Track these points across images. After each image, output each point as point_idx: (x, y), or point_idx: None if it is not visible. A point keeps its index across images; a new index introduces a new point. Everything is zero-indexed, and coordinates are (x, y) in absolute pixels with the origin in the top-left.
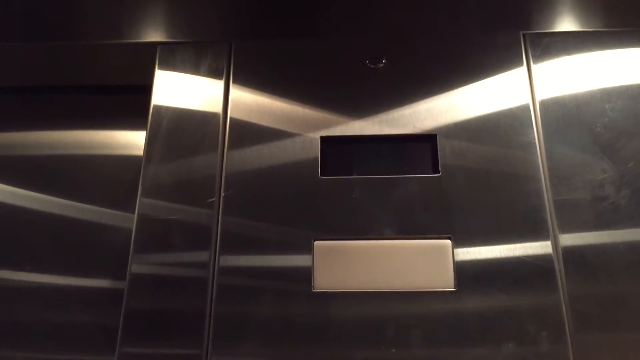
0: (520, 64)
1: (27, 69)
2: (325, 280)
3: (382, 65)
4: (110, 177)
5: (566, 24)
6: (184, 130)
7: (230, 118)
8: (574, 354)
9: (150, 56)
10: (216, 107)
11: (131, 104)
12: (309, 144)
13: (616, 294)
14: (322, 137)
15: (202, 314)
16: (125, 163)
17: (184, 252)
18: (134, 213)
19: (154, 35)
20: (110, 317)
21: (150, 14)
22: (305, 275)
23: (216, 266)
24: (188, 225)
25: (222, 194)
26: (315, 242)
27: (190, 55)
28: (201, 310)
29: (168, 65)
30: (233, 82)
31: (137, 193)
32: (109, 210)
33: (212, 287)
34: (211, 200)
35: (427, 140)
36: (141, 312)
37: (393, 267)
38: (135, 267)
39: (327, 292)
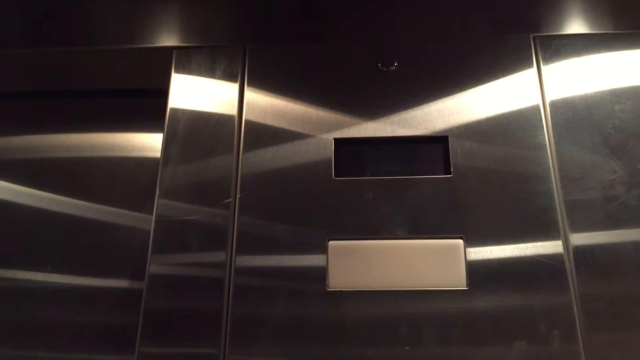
0: (530, 66)
1: (47, 74)
2: (340, 279)
3: (394, 68)
4: (127, 179)
5: (576, 26)
6: (200, 133)
7: (245, 120)
8: (585, 353)
9: (167, 60)
10: (231, 109)
11: (148, 107)
12: (323, 145)
13: (627, 293)
14: (335, 139)
15: (219, 314)
16: (142, 165)
17: (201, 253)
18: (151, 214)
19: (170, 40)
20: (129, 317)
21: (167, 19)
22: (320, 274)
23: (232, 266)
24: (205, 226)
25: (238, 195)
26: (329, 242)
27: (206, 59)
28: (218, 310)
29: (184, 69)
30: (248, 85)
31: (154, 195)
32: (126, 212)
33: (229, 287)
34: (227, 201)
35: (438, 142)
36: (159, 312)
37: (406, 266)
38: (154, 267)
39: (341, 291)
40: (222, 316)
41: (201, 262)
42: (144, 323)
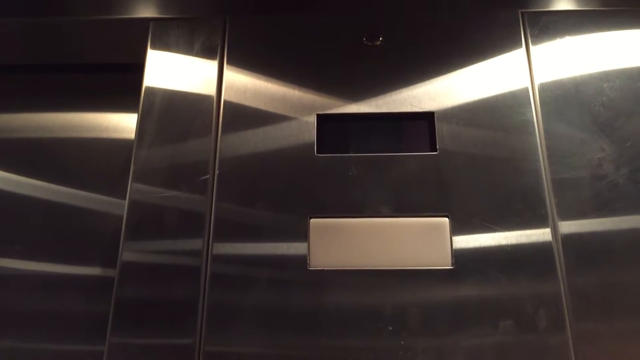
0: (518, 42)
1: (11, 46)
2: (321, 258)
3: (379, 42)
4: (101, 161)
5: (565, 3)
6: (177, 112)
7: (225, 99)
8: (572, 337)
9: (143, 33)
10: (210, 87)
11: (123, 83)
12: (305, 122)
13: (615, 274)
14: (318, 115)
15: (194, 303)
16: (117, 146)
17: (177, 240)
18: (125, 199)
19: (147, 11)
20: (101, 306)
21: None
22: (300, 254)
23: (209, 254)
24: (180, 211)
25: (216, 175)
26: (311, 220)
27: (184, 32)
28: (193, 299)
29: (161, 42)
30: (227, 59)
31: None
32: (99, 196)
33: (205, 275)
34: (204, 177)
35: (424, 118)
36: (132, 301)
37: (390, 245)
38: (126, 254)
39: (323, 269)
40: (197, 305)
41: (177, 249)
42: (115, 312)
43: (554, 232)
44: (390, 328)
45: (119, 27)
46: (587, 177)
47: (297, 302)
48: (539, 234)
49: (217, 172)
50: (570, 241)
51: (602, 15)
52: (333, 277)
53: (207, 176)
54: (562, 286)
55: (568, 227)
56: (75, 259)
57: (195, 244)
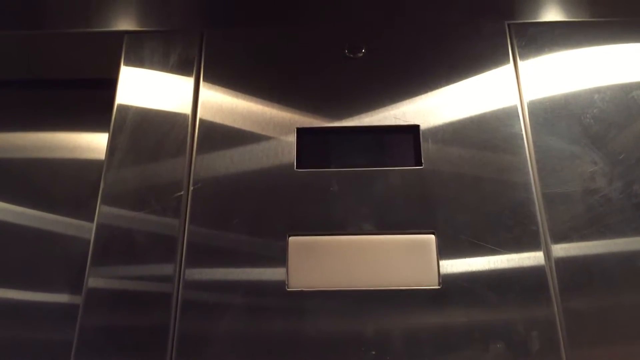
0: (505, 54)
1: None
2: (301, 278)
3: (361, 54)
4: (71, 182)
5: (552, 14)
6: (150, 130)
7: (200, 115)
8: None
9: (117, 47)
10: (185, 104)
11: (95, 100)
12: (285, 136)
13: (609, 289)
14: (298, 129)
15: (164, 331)
16: (87, 167)
17: (147, 265)
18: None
19: (122, 23)
20: (69, 334)
21: (118, 0)
22: (279, 274)
23: (181, 280)
24: (151, 235)
25: (191, 188)
26: (290, 238)
27: (159, 45)
28: (164, 327)
29: (135, 56)
30: (204, 74)
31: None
32: (67, 219)
33: (177, 301)
34: (178, 194)
35: (409, 132)
36: (98, 329)
37: (373, 263)
38: (93, 280)
39: (302, 291)
40: (167, 334)
41: (146, 275)
42: (78, 341)
43: (546, 248)
44: (374, 352)
45: (92, 40)
46: (578, 191)
47: (274, 326)
48: (531, 251)
49: (191, 188)
50: (564, 258)
51: (591, 26)
52: (313, 299)
53: (181, 192)
54: (555, 306)
55: (561, 244)
56: (41, 285)
57: (167, 269)
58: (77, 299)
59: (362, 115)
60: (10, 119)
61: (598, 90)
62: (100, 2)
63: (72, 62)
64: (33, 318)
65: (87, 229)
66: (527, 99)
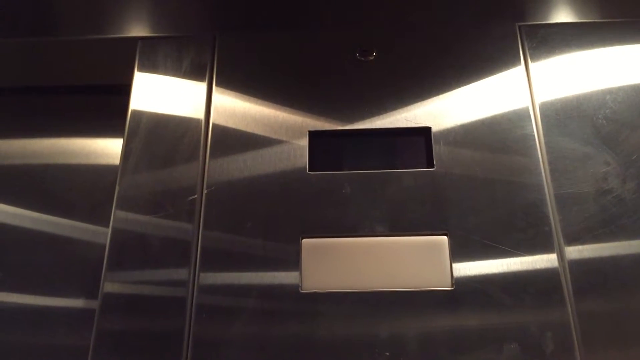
0: (516, 56)
1: None
2: (314, 280)
3: (372, 57)
4: (86, 188)
5: (563, 15)
6: (164, 135)
7: (213, 120)
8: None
9: (130, 53)
10: (198, 108)
11: (109, 105)
12: (297, 140)
13: (622, 291)
14: (310, 132)
15: (179, 335)
16: (102, 173)
17: (161, 269)
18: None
19: (135, 29)
20: (85, 339)
21: (131, 6)
22: (292, 276)
23: (196, 284)
24: (166, 239)
25: (205, 192)
26: (303, 240)
27: (172, 50)
28: (179, 331)
29: (149, 61)
30: (216, 78)
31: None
32: (84, 224)
33: (191, 306)
34: (192, 197)
35: (420, 134)
36: (114, 334)
37: (386, 265)
38: (108, 285)
39: (316, 292)
40: (182, 338)
41: (161, 279)
42: (95, 345)
43: (560, 250)
44: (387, 353)
45: (106, 47)
46: (591, 191)
47: (288, 328)
48: (544, 252)
49: (205, 191)
50: (577, 260)
51: (602, 27)
52: (326, 301)
53: (195, 196)
54: (569, 308)
55: (574, 245)
56: (58, 290)
57: (181, 273)
58: (93, 304)
59: (374, 118)
60: (26, 125)
61: (610, 91)
62: (114, 9)
63: (86, 68)
64: (50, 323)
65: (102, 234)
66: (538, 101)
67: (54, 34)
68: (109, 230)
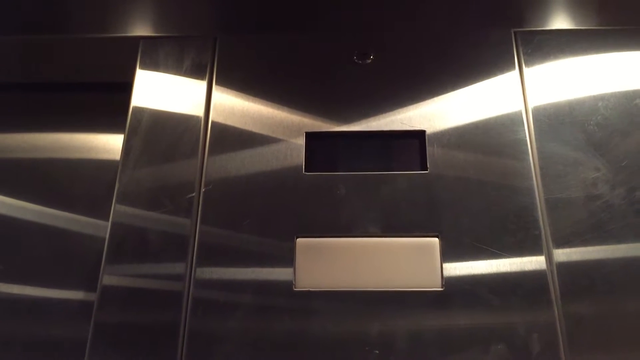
0: (511, 61)
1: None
2: (308, 278)
3: (370, 60)
4: (88, 182)
5: (558, 22)
6: (164, 132)
7: (212, 118)
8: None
9: (132, 51)
10: (198, 107)
11: (111, 102)
12: (294, 140)
13: (610, 294)
14: (307, 133)
15: (175, 328)
16: (103, 167)
17: (159, 263)
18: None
19: (138, 29)
20: (84, 331)
21: (134, 7)
22: (286, 274)
23: (192, 278)
24: (164, 234)
25: (203, 190)
26: (297, 239)
27: (174, 50)
28: (175, 324)
29: (150, 60)
30: (216, 78)
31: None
32: (85, 218)
33: (187, 299)
34: (190, 196)
35: (415, 137)
36: (111, 326)
37: (378, 265)
38: (107, 278)
39: (309, 291)
40: (178, 330)
41: (159, 273)
42: (93, 337)
43: (548, 253)
44: (377, 352)
45: (109, 45)
46: (581, 196)
47: (282, 324)
48: (533, 255)
49: (203, 190)
50: (565, 264)
51: (596, 34)
52: (319, 299)
53: (193, 194)
54: (556, 310)
55: (563, 248)
56: (58, 282)
57: (178, 267)
58: (92, 296)
59: (370, 120)
60: (30, 120)
61: (602, 98)
62: (117, 9)
63: (89, 66)
64: (50, 314)
65: (102, 227)
66: (531, 106)
67: (60, 33)
68: (109, 224)
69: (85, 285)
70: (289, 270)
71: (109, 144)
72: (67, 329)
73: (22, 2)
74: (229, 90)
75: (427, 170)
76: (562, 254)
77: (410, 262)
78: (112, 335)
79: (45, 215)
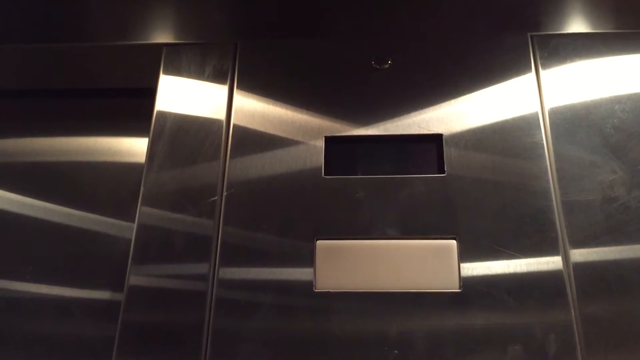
0: (528, 65)
1: (28, 72)
2: (327, 280)
3: (387, 65)
4: (113, 185)
5: (575, 25)
6: (187, 136)
7: (234, 122)
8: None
9: (156, 58)
10: (220, 111)
11: (135, 108)
12: (313, 144)
13: (627, 296)
14: (326, 137)
15: (199, 328)
16: (128, 170)
17: (183, 264)
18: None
19: (160, 36)
20: (110, 330)
21: (157, 14)
22: (306, 275)
23: (215, 278)
24: (188, 235)
25: (225, 193)
26: (317, 242)
27: (196, 57)
28: (199, 324)
29: (173, 66)
30: (237, 83)
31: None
32: (111, 220)
33: (211, 299)
34: (213, 199)
35: (432, 140)
36: (138, 325)
37: (397, 267)
38: (134, 278)
39: (329, 292)
40: (202, 330)
41: (183, 273)
42: (120, 336)
43: (565, 255)
44: (396, 352)
45: (133, 52)
46: (598, 199)
47: (302, 325)
48: (550, 257)
49: (225, 193)
50: (582, 265)
51: (613, 38)
52: (339, 299)
53: (215, 197)
54: (573, 312)
55: (579, 251)
56: (85, 283)
57: (202, 268)
58: (119, 296)
59: (388, 124)
60: (57, 125)
61: (619, 101)
62: (141, 17)
63: (115, 72)
64: (77, 314)
65: (128, 229)
66: (548, 109)
67: (86, 40)
68: (135, 225)
69: (112, 285)
70: (309, 271)
71: (134, 148)
72: (95, 328)
73: (53, 13)
74: (249, 95)
75: (444, 173)
76: (579, 256)
77: (428, 263)
78: (138, 334)
79: (73, 217)
